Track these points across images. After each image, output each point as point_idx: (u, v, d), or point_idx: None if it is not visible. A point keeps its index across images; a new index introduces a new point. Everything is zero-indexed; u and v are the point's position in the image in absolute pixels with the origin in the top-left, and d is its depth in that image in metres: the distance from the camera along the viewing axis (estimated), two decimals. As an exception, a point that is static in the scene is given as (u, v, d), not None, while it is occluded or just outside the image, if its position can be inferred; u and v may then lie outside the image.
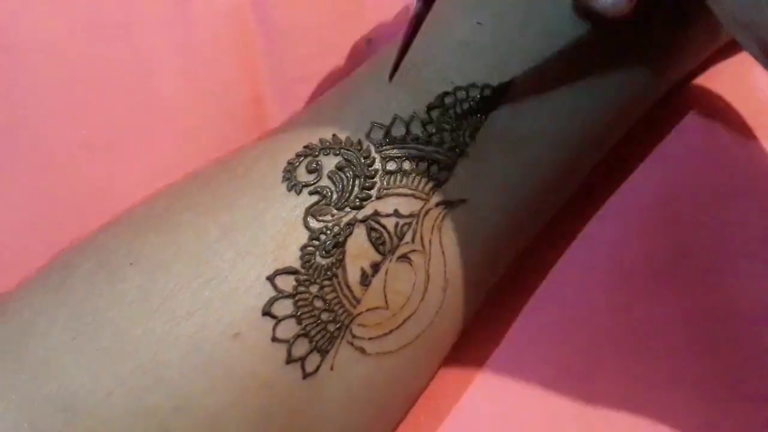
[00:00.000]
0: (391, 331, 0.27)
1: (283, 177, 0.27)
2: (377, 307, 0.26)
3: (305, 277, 0.26)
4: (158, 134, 0.33)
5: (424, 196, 0.27)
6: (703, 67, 0.33)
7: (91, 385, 0.24)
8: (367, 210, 0.26)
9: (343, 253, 0.26)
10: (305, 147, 0.27)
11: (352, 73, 0.30)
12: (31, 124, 0.31)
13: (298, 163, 0.27)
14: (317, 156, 0.27)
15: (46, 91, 0.32)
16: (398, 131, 0.27)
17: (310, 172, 0.27)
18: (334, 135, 0.27)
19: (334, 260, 0.26)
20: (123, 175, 0.33)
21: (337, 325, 0.26)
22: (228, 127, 0.32)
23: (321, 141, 0.27)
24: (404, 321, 0.27)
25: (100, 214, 0.30)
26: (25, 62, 0.32)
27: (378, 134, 0.27)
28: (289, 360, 0.25)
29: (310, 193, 0.26)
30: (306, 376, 0.26)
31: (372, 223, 0.26)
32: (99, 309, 0.25)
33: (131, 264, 0.26)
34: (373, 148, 0.27)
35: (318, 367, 0.26)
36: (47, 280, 0.27)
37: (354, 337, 0.26)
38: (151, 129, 0.33)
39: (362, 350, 0.26)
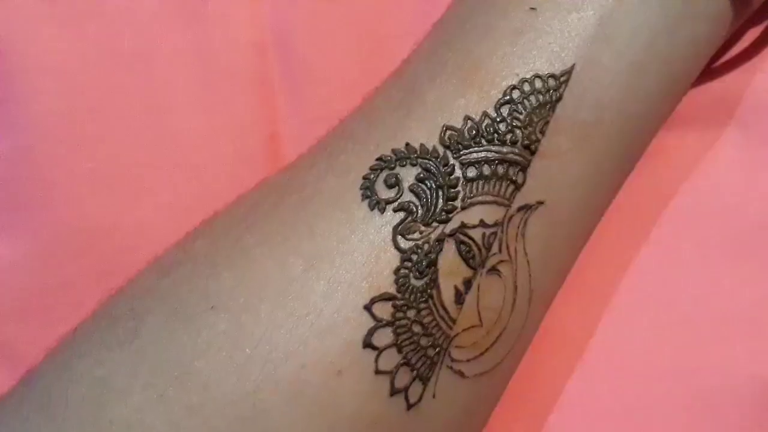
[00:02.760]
0: (486, 350, 0.25)
1: (363, 195, 0.24)
2: (472, 326, 0.25)
3: (402, 302, 0.24)
4: (168, 170, 0.30)
5: (506, 201, 0.25)
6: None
7: None
8: (454, 222, 0.25)
9: (436, 272, 0.24)
10: (378, 159, 0.25)
11: (399, 72, 0.28)
12: (35, 154, 0.28)
13: (375, 178, 0.24)
14: (394, 168, 0.25)
15: (52, 119, 0.28)
16: (471, 133, 0.25)
17: (389, 186, 0.24)
18: (407, 144, 0.25)
19: (428, 281, 0.24)
20: (129, 212, 0.30)
21: (437, 350, 0.24)
22: (241, 166, 0.29)
23: (395, 151, 0.25)
24: (497, 338, 0.25)
25: (103, 252, 0.28)
26: (32, 88, 0.28)
27: (452, 138, 0.25)
28: (393, 392, 0.24)
29: (395, 210, 0.24)
30: (410, 407, 0.24)
31: (460, 237, 0.25)
32: (183, 361, 0.23)
33: (212, 308, 0.23)
34: (450, 155, 0.25)
35: (421, 397, 0.24)
36: (113, 333, 0.24)
37: (453, 360, 0.25)
38: (161, 164, 0.30)
39: (461, 374, 0.25)
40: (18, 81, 0.28)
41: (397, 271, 0.24)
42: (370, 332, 0.23)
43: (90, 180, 0.29)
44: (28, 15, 0.30)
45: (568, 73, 0.26)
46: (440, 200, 0.25)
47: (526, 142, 0.26)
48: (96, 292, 0.26)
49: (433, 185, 0.25)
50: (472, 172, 0.25)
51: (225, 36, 0.31)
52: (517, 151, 0.26)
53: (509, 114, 0.26)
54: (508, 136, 0.25)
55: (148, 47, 0.30)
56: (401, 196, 0.24)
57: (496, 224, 0.25)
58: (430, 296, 0.24)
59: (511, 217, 0.25)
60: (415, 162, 0.25)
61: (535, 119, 0.26)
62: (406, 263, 0.24)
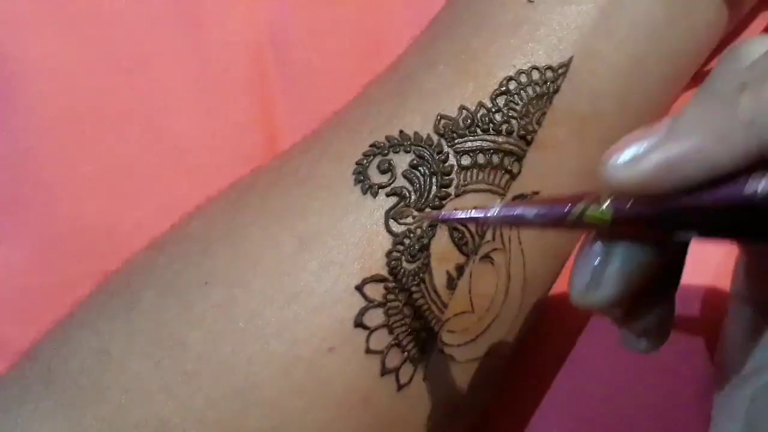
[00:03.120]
0: (477, 337, 0.25)
1: (356, 179, 0.25)
2: (464, 312, 0.25)
3: (394, 284, 0.24)
4: (167, 171, 0.30)
5: (500, 190, 0.25)
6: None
7: (183, 410, 0.22)
8: (447, 209, 0.25)
9: (428, 256, 0.25)
10: (372, 146, 0.25)
11: (395, 64, 0.28)
12: (35, 155, 0.28)
13: (368, 163, 0.25)
14: (387, 154, 0.25)
15: (52, 121, 0.29)
16: (466, 122, 0.25)
17: (382, 172, 0.25)
18: (401, 131, 0.25)
19: (420, 265, 0.24)
20: (128, 213, 0.30)
21: (428, 333, 0.24)
22: (240, 167, 0.29)
23: (388, 138, 0.25)
24: (489, 325, 0.26)
25: (103, 253, 0.28)
26: (31, 90, 0.29)
27: (447, 127, 0.25)
28: (384, 371, 0.24)
29: (388, 195, 0.25)
30: (400, 387, 0.24)
31: (454, 223, 0.25)
32: (178, 332, 0.23)
33: (206, 283, 0.23)
34: (444, 143, 0.25)
35: (411, 379, 0.24)
36: (109, 306, 0.24)
37: (444, 344, 0.25)
38: (159, 167, 0.30)
39: (452, 358, 0.25)
40: (17, 83, 0.29)
41: (389, 254, 0.24)
42: (362, 312, 0.24)
43: (89, 181, 0.30)
44: (27, 18, 0.30)
45: (566, 65, 0.26)
46: (434, 187, 0.25)
47: (522, 132, 0.26)
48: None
49: (427, 172, 0.25)
50: (466, 161, 0.25)
51: (222, 37, 0.32)
52: (512, 141, 0.26)
53: (505, 104, 0.26)
54: (504, 127, 0.26)
55: (146, 49, 0.31)
56: (394, 181, 0.25)
57: None
58: (422, 280, 0.24)
59: None
60: (408, 149, 0.25)
61: (532, 110, 0.26)
62: (398, 246, 0.24)
